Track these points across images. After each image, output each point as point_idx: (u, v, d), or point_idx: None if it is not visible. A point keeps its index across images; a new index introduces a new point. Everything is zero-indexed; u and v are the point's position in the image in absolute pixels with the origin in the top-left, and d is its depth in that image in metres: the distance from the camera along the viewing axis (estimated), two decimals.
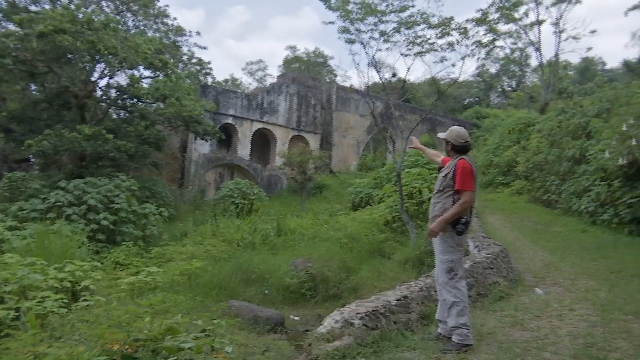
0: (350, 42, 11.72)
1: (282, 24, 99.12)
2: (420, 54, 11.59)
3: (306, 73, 38.67)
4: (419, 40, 10.79)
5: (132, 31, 23.84)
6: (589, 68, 50.97)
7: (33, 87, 18.81)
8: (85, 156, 14.82)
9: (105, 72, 18.22)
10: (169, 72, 16.66)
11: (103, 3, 25.53)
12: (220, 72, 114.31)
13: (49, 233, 9.94)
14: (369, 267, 10.79)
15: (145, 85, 17.27)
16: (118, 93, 18.35)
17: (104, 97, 18.75)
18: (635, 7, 32.04)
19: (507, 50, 35.70)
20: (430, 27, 10.61)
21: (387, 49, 11.44)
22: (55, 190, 12.65)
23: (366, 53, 11.37)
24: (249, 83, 54.15)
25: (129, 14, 25.15)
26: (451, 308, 4.13)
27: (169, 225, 15.70)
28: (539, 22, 32.22)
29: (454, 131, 4.46)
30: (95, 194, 12.72)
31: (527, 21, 32.25)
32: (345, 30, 10.69)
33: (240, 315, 8.56)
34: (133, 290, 8.90)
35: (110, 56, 14.63)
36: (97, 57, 14.68)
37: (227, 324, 7.83)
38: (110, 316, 4.22)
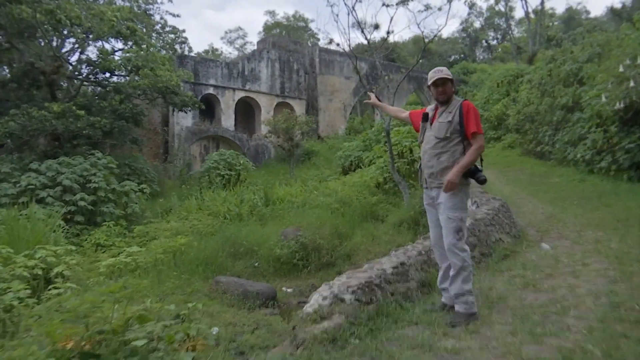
0: None
1: None
2: (402, 2, 10.85)
3: (287, 37, 37.43)
4: None
5: (101, 2, 22.61)
6: (573, 18, 50.01)
7: None
8: (59, 136, 14.04)
9: (76, 46, 17.27)
10: (139, 40, 15.70)
11: None
12: (201, 44, 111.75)
13: (19, 218, 9.33)
14: (362, 231, 10.31)
15: (117, 58, 16.32)
16: (89, 67, 17.42)
17: (75, 73, 17.80)
18: None
19: (492, 1, 34.67)
20: None
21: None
22: (27, 173, 11.96)
23: (345, 5, 10.60)
24: (229, 52, 52.83)
25: None
26: (458, 273, 3.64)
27: (152, 203, 15.11)
28: None
29: (445, 70, 3.94)
30: (70, 174, 12.04)
31: None
32: None
33: (228, 291, 8.08)
34: (113, 272, 8.38)
35: (74, 27, 13.68)
36: (59, 29, 13.71)
37: (213, 303, 7.37)
38: (65, 308, 3.68)
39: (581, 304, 3.67)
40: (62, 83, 17.55)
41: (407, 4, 10.99)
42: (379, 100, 4.77)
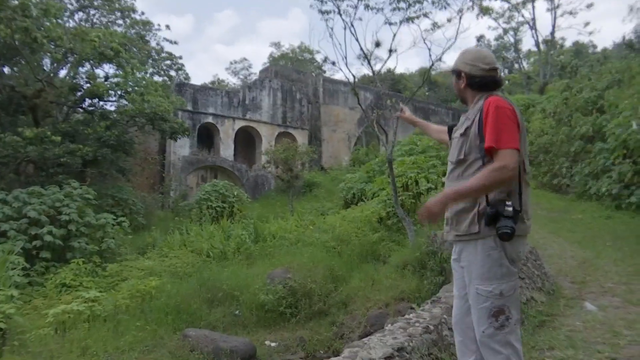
0: (326, 12, 9.95)
1: (270, 27, 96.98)
2: (408, 19, 9.81)
3: (290, 67, 36.75)
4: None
5: (98, 27, 21.94)
6: (580, 51, 49.30)
7: None
8: (30, 163, 12.95)
9: (62, 69, 16.39)
10: (123, 62, 14.74)
11: (66, 1, 23.66)
12: (207, 76, 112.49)
13: None
14: (360, 274, 8.99)
15: (103, 82, 15.35)
16: (77, 92, 16.46)
17: (62, 99, 16.85)
18: None
19: (500, 31, 33.92)
20: None
21: (369, 19, 9.65)
22: None
23: (343, 21, 9.57)
24: (233, 83, 52.19)
25: (93, 11, 23.24)
26: None
27: (136, 237, 13.90)
28: None
29: (470, 53, 2.59)
30: (39, 204, 10.85)
31: None
32: None
33: (197, 348, 6.75)
34: (64, 323, 7.10)
35: (54, 47, 12.76)
36: (35, 48, 12.77)
37: None
38: None
39: None
40: (50, 109, 16.60)
41: (412, 22, 9.93)
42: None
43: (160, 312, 7.81)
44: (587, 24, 49.63)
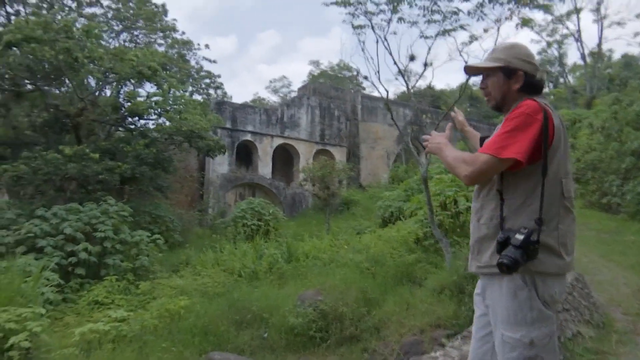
0: (359, 27, 9.75)
1: (311, 45, 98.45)
2: (444, 32, 9.49)
3: (328, 84, 36.78)
4: (437, 11, 8.70)
5: (141, 46, 22.59)
6: (630, 64, 47.38)
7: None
8: (72, 180, 13.24)
9: (106, 88, 16.84)
10: (160, 81, 15.00)
11: (112, 23, 24.53)
12: (249, 95, 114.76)
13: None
14: (395, 297, 8.58)
15: (143, 100, 15.68)
16: (119, 110, 16.86)
17: (107, 117, 17.30)
18: None
19: (543, 44, 32.94)
20: None
21: (402, 32, 9.39)
22: (32, 220, 11.02)
23: (376, 35, 9.33)
24: (273, 101, 52.84)
25: (136, 32, 23.97)
26: None
27: (171, 254, 13.94)
28: (578, 10, 29.50)
29: (522, 48, 2.27)
30: (75, 221, 11.01)
31: (564, 9, 29.65)
32: (344, 2, 8.68)
33: None
34: (90, 342, 7.02)
35: (93, 66, 13.12)
36: (77, 68, 13.15)
37: None
38: None
39: None
40: (93, 127, 17.06)
41: (449, 35, 9.60)
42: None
43: (188, 333, 7.65)
44: (636, 34, 47.59)
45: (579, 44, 30.42)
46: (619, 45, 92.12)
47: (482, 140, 2.49)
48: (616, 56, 45.72)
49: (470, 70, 2.38)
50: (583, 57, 30.59)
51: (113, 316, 7.51)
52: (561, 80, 41.67)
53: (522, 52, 2.25)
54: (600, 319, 4.60)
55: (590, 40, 76.32)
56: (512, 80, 2.23)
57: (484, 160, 2.02)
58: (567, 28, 31.01)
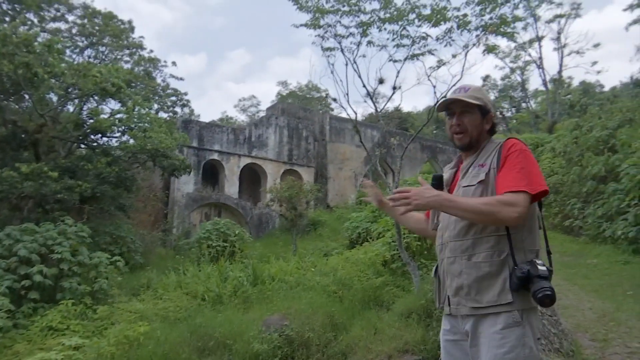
0: (329, 49, 9.74)
1: (281, 65, 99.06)
2: (413, 56, 9.56)
3: (296, 104, 36.87)
4: (406, 35, 8.79)
5: (107, 63, 22.14)
6: (588, 90, 49.30)
7: None
8: (28, 199, 12.67)
9: (68, 105, 16.34)
10: (124, 98, 14.65)
11: (77, 39, 24.04)
12: (216, 114, 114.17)
13: None
14: (362, 322, 8.41)
15: (107, 117, 15.27)
16: (82, 127, 16.35)
17: (68, 134, 16.76)
18: (636, 22, 30.55)
19: (507, 70, 33.99)
20: (421, 18, 8.63)
21: (372, 55, 9.45)
22: None
23: (346, 58, 9.33)
24: (242, 120, 52.59)
25: (102, 48, 23.50)
26: None
27: (132, 276, 13.43)
28: (539, 38, 30.57)
29: (486, 92, 2.41)
30: (30, 242, 10.49)
31: (526, 37, 30.70)
32: (314, 25, 8.67)
33: None
34: None
35: (54, 81, 12.70)
36: (36, 84, 12.71)
37: None
38: None
39: None
40: (53, 144, 16.48)
41: (417, 59, 9.67)
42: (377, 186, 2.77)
43: None
44: (594, 62, 49.64)
45: (540, 70, 31.55)
46: (578, 73, 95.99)
47: (435, 179, 2.39)
48: (575, 83, 47.59)
49: (454, 104, 2.30)
50: (545, 83, 31.69)
51: (67, 344, 7.10)
52: (524, 105, 42.93)
53: (488, 97, 2.38)
54: (569, 347, 4.57)
55: (551, 68, 79.40)
56: (484, 121, 2.31)
57: (525, 198, 1.97)
58: (530, 55, 32.08)
